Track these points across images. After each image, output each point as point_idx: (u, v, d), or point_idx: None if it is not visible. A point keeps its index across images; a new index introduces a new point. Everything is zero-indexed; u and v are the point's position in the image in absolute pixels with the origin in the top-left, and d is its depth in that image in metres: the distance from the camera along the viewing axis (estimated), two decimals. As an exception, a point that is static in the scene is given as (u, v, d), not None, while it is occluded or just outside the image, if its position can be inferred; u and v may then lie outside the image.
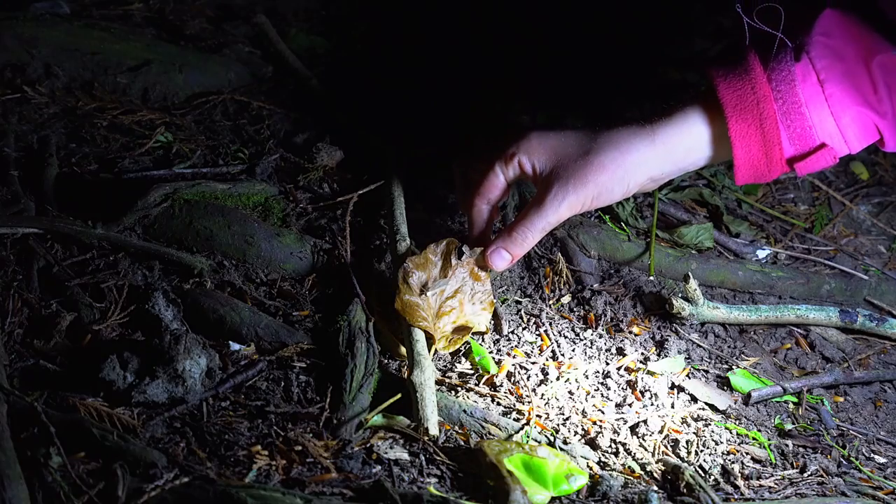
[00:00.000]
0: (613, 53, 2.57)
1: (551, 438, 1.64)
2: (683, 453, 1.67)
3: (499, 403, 1.71)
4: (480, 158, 1.82)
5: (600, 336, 1.88)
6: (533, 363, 1.79)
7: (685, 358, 1.86)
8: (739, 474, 1.64)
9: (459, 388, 1.73)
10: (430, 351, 1.71)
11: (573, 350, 1.84)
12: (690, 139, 1.72)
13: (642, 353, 1.85)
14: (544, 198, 1.73)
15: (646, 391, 1.77)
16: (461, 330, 1.78)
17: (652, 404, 1.75)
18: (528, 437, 1.63)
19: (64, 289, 1.75)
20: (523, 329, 1.87)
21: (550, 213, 1.73)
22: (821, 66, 1.65)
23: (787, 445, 1.73)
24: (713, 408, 1.77)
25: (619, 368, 1.81)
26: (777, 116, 1.66)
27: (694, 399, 1.78)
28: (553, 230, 1.91)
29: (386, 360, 1.74)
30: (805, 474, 1.67)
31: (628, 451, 1.65)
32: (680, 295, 1.94)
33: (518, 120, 2.35)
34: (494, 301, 1.82)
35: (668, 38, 2.65)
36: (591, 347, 1.85)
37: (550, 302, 1.94)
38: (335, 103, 2.28)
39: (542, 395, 1.73)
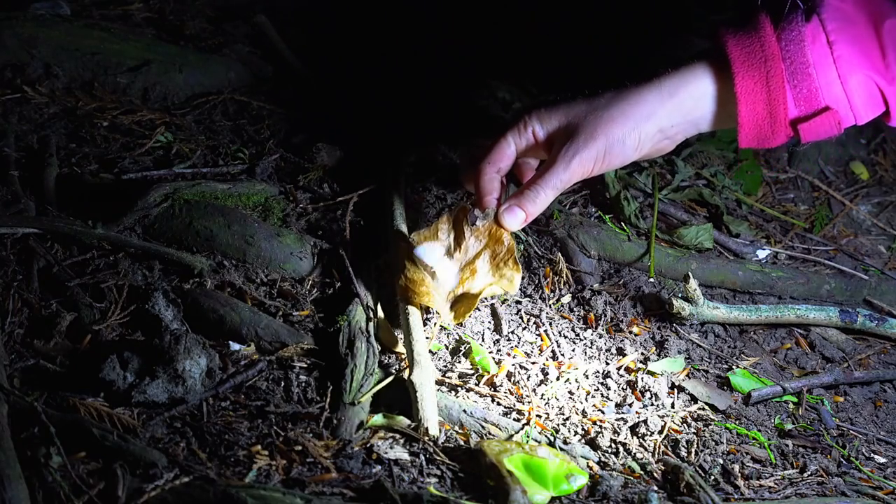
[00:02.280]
0: (609, 55, 2.57)
1: (551, 438, 1.64)
2: (683, 453, 1.67)
3: (499, 403, 1.71)
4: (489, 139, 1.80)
5: (600, 336, 1.88)
6: (533, 363, 1.79)
7: (685, 358, 1.86)
8: (739, 474, 1.64)
9: (459, 388, 1.73)
10: (436, 326, 1.67)
11: (573, 350, 1.84)
12: (698, 91, 1.71)
13: (642, 353, 1.85)
14: (556, 156, 1.71)
15: (646, 391, 1.77)
16: (470, 299, 1.73)
17: (652, 404, 1.75)
18: (528, 437, 1.63)
19: (64, 289, 1.75)
20: (523, 329, 1.87)
21: (562, 169, 1.71)
22: (831, 28, 1.65)
23: (787, 445, 1.73)
24: (713, 408, 1.77)
25: (619, 368, 1.81)
26: (784, 76, 1.65)
27: (694, 399, 1.78)
28: (556, 233, 1.91)
29: (386, 360, 1.74)
30: (805, 474, 1.67)
31: (628, 451, 1.65)
32: (680, 295, 1.94)
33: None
34: (519, 262, 1.76)
35: (665, 38, 2.65)
36: (591, 347, 1.85)
37: (550, 302, 1.95)
38: (335, 103, 2.28)
39: (542, 395, 1.73)
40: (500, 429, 1.64)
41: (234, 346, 1.70)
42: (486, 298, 1.91)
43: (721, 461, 1.66)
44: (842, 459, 1.73)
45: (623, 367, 1.81)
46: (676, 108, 1.72)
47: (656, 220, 2.11)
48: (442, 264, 1.74)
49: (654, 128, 1.72)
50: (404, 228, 1.88)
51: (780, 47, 1.65)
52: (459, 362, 1.78)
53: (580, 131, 1.71)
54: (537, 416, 1.69)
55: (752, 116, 1.68)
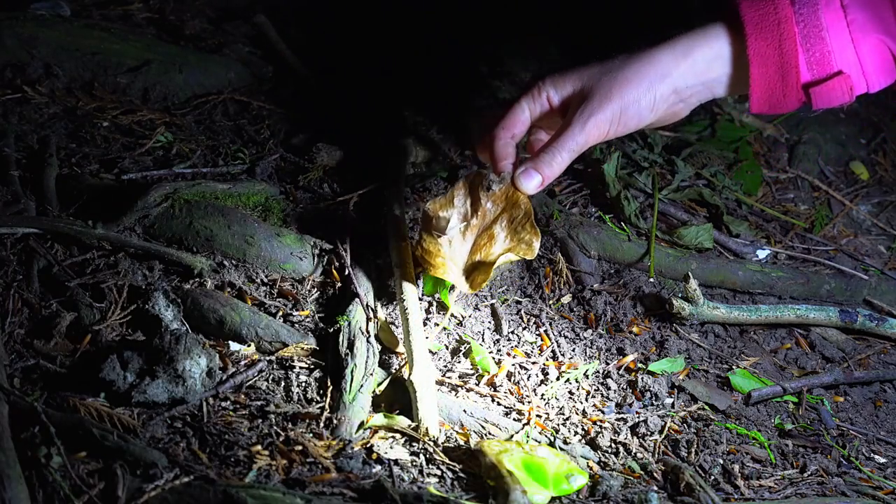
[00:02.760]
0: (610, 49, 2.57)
1: (551, 438, 1.64)
2: (683, 453, 1.67)
3: (499, 403, 1.71)
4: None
5: (600, 336, 1.88)
6: (533, 363, 1.79)
7: (685, 358, 1.86)
8: (739, 474, 1.64)
9: (459, 388, 1.73)
10: (452, 293, 1.64)
11: (573, 350, 1.84)
12: (711, 52, 1.70)
13: (642, 353, 1.85)
14: (571, 118, 1.70)
15: (646, 391, 1.77)
16: (486, 267, 1.70)
17: (652, 404, 1.75)
18: (528, 437, 1.63)
19: (64, 289, 1.75)
20: (523, 329, 1.87)
21: (577, 131, 1.69)
22: None
23: (787, 445, 1.73)
24: (713, 408, 1.77)
25: (619, 368, 1.81)
26: (797, 39, 1.64)
27: (694, 399, 1.78)
28: (556, 233, 1.89)
29: (387, 359, 1.74)
30: (805, 474, 1.67)
31: (628, 451, 1.65)
32: (680, 295, 1.94)
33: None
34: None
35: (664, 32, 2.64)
36: (591, 347, 1.85)
37: (550, 302, 1.95)
38: (335, 103, 2.28)
39: (542, 395, 1.73)
40: (500, 429, 1.64)
41: (235, 346, 1.70)
42: (486, 297, 1.91)
43: (721, 461, 1.66)
44: (842, 459, 1.73)
45: (623, 367, 1.82)
46: (690, 69, 1.70)
47: (656, 220, 2.11)
48: (458, 231, 1.72)
49: (669, 88, 1.71)
50: (405, 229, 1.87)
51: (793, 10, 1.64)
52: (459, 362, 1.78)
53: (595, 93, 1.70)
54: (537, 416, 1.69)
55: (765, 79, 1.67)
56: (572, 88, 1.73)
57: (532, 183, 1.71)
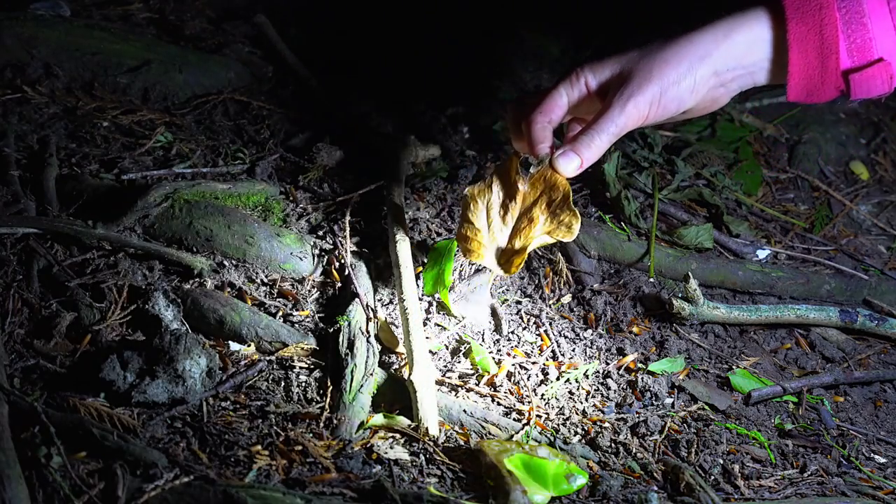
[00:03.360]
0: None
1: (551, 438, 1.64)
2: (683, 453, 1.67)
3: (499, 403, 1.71)
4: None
5: (600, 336, 1.88)
6: (533, 363, 1.79)
7: (685, 358, 1.86)
8: (739, 474, 1.64)
9: (459, 388, 1.73)
10: (490, 277, 1.69)
11: (573, 350, 1.84)
12: (752, 34, 1.68)
13: (642, 353, 1.85)
14: (611, 101, 1.68)
15: (646, 391, 1.77)
16: (522, 251, 1.70)
17: (652, 404, 1.75)
18: (528, 437, 1.63)
19: (64, 289, 1.75)
20: (523, 329, 1.87)
21: (617, 114, 1.67)
22: None
23: (787, 445, 1.73)
24: (713, 408, 1.77)
25: (619, 368, 1.81)
26: (838, 24, 1.63)
27: (694, 399, 1.78)
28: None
29: (387, 359, 1.74)
30: (805, 474, 1.67)
31: (628, 451, 1.65)
32: (680, 295, 1.94)
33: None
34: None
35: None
36: (591, 347, 1.85)
37: (550, 302, 1.95)
38: (335, 103, 2.28)
39: (543, 395, 1.73)
40: (500, 429, 1.64)
41: (235, 346, 1.70)
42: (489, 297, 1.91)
43: (721, 461, 1.66)
44: (842, 459, 1.73)
45: (623, 367, 1.82)
46: (730, 51, 1.68)
47: (656, 220, 2.11)
48: (497, 218, 1.72)
49: (709, 70, 1.68)
50: (405, 229, 1.87)
51: None
52: (459, 362, 1.78)
53: (634, 76, 1.68)
54: (537, 416, 1.69)
55: (804, 64, 1.65)
56: (611, 72, 1.72)
57: (571, 165, 1.70)
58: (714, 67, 1.68)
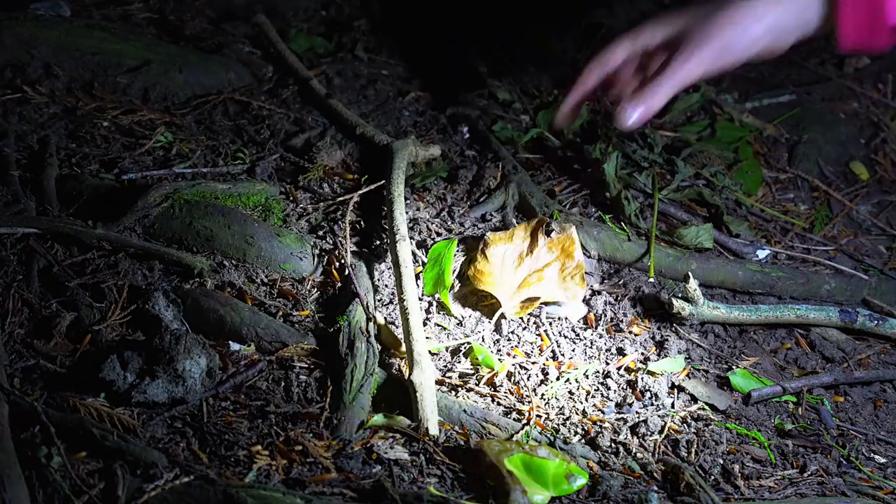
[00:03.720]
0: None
1: (551, 438, 1.64)
2: (683, 453, 1.67)
3: (499, 403, 1.71)
4: None
5: (600, 336, 1.88)
6: (533, 363, 1.79)
7: (685, 358, 1.86)
8: (739, 474, 1.64)
9: (459, 388, 1.73)
10: (495, 315, 1.80)
11: (573, 350, 1.84)
12: None
13: (642, 353, 1.85)
14: (672, 57, 1.84)
15: (646, 391, 1.77)
16: (531, 301, 1.85)
17: (652, 404, 1.75)
18: (528, 437, 1.63)
19: (64, 289, 1.75)
20: (523, 329, 1.87)
21: (677, 68, 1.83)
22: None
23: (787, 445, 1.73)
24: (713, 408, 1.77)
25: (619, 368, 1.81)
26: None
27: (694, 399, 1.78)
28: None
29: (387, 359, 1.74)
30: (805, 474, 1.67)
31: (628, 451, 1.65)
32: (680, 295, 1.94)
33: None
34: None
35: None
36: (591, 347, 1.85)
37: (550, 302, 1.95)
38: (335, 103, 2.28)
39: (543, 395, 1.73)
40: (500, 429, 1.64)
41: (235, 346, 1.70)
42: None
43: (721, 461, 1.66)
44: (842, 459, 1.73)
45: (623, 367, 1.82)
46: (788, 7, 1.83)
47: (656, 220, 2.11)
48: (510, 265, 1.86)
49: (766, 26, 1.84)
50: (404, 230, 1.87)
51: None
52: (459, 362, 1.78)
53: (695, 32, 1.84)
54: (537, 416, 1.69)
55: (854, 18, 1.79)
56: (672, 29, 1.87)
57: (634, 114, 1.86)
58: (774, 22, 1.84)
